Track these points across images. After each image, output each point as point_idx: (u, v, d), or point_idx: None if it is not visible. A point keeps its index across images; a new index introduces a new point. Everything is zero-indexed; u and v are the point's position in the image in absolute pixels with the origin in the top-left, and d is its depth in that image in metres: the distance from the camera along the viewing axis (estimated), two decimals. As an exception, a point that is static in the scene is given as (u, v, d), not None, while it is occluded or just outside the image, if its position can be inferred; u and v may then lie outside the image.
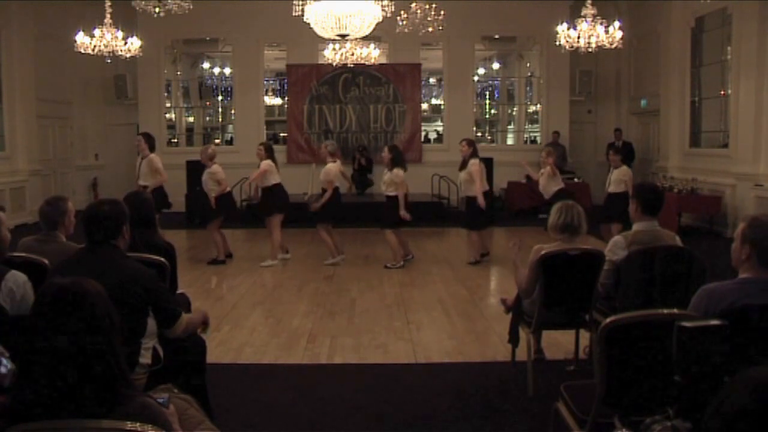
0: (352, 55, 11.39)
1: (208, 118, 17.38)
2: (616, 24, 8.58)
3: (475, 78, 15.27)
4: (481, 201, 8.01)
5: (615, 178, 8.41)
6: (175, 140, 15.57)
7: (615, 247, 3.86)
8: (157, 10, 9.30)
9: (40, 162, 12.68)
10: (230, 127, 16.09)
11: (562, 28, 8.67)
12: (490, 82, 17.58)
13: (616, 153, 8.75)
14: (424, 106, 17.34)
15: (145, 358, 2.95)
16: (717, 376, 1.94)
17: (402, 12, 10.10)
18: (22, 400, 1.70)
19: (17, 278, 2.88)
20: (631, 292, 3.67)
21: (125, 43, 9.59)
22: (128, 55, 9.82)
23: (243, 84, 14.41)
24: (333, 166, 8.22)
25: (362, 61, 11.72)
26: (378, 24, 8.45)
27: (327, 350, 5.12)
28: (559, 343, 4.92)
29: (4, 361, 2.44)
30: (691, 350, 1.95)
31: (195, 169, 12.30)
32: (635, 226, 3.91)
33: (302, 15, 8.12)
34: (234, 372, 4.58)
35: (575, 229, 3.98)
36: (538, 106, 15.06)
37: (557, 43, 8.85)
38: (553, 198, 7.68)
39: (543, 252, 3.93)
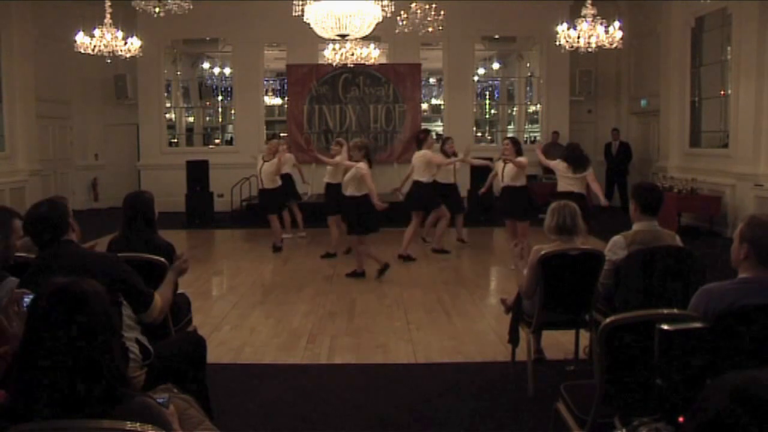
0: (352, 55, 11.39)
1: (208, 118, 17.39)
2: (616, 24, 8.58)
3: (475, 78, 15.26)
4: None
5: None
6: (175, 140, 15.58)
7: (615, 247, 3.86)
8: (157, 10, 9.31)
9: (40, 162, 12.67)
10: (230, 127, 16.10)
11: (562, 28, 8.66)
12: (490, 82, 17.59)
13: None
14: (424, 106, 17.35)
15: (132, 353, 2.91)
16: (698, 380, 1.93)
17: (402, 12, 10.09)
18: (22, 400, 1.70)
19: (15, 285, 2.87)
20: (630, 292, 3.66)
21: (125, 43, 9.59)
22: (128, 55, 9.81)
23: (243, 84, 14.41)
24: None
25: (362, 61, 11.72)
26: (378, 24, 8.45)
27: (327, 350, 5.12)
28: (559, 343, 4.92)
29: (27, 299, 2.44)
30: (672, 353, 1.95)
31: (195, 169, 12.35)
32: (635, 226, 3.90)
33: (302, 15, 8.12)
34: (234, 372, 4.58)
35: (570, 229, 3.99)
36: (538, 106, 15.05)
37: (557, 43, 8.84)
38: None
39: (543, 252, 3.93)
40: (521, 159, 7.59)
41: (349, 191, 7.45)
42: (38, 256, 3.02)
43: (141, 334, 3.03)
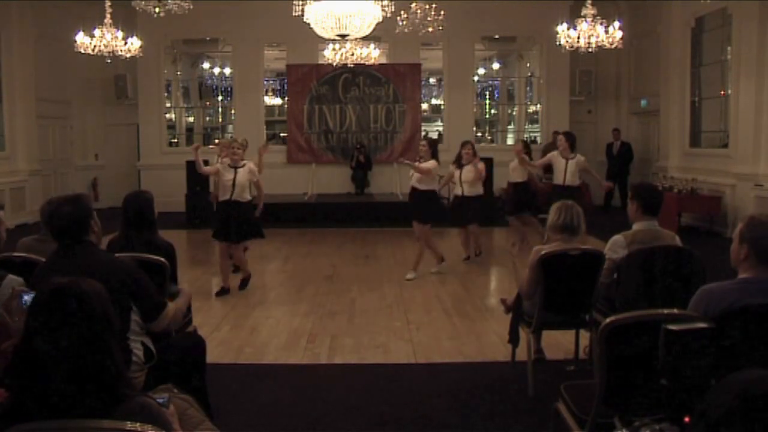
0: (352, 55, 11.39)
1: (208, 118, 17.39)
2: (616, 24, 8.58)
3: (475, 78, 15.26)
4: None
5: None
6: (175, 140, 15.57)
7: (615, 246, 3.86)
8: (157, 10, 9.31)
9: (40, 162, 12.68)
10: (230, 127, 16.10)
11: (562, 28, 8.67)
12: (490, 82, 17.59)
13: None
14: (424, 106, 17.35)
15: (136, 356, 2.91)
16: (703, 380, 1.93)
17: (402, 12, 10.09)
18: (22, 400, 1.70)
19: (14, 284, 2.87)
20: (631, 291, 3.67)
21: (125, 43, 9.59)
22: (128, 55, 9.81)
23: (243, 84, 14.41)
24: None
25: (362, 61, 11.72)
26: (378, 24, 8.44)
27: (327, 350, 5.12)
28: (559, 343, 4.92)
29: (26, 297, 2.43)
30: (678, 353, 1.95)
31: (195, 169, 12.32)
32: (635, 226, 3.90)
33: (302, 15, 8.12)
34: (234, 372, 4.58)
35: (574, 229, 3.99)
36: (538, 106, 15.06)
37: (557, 43, 8.85)
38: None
39: (543, 252, 3.93)
40: (427, 164, 7.50)
41: (246, 196, 7.17)
42: (51, 254, 2.96)
43: (146, 337, 3.03)
